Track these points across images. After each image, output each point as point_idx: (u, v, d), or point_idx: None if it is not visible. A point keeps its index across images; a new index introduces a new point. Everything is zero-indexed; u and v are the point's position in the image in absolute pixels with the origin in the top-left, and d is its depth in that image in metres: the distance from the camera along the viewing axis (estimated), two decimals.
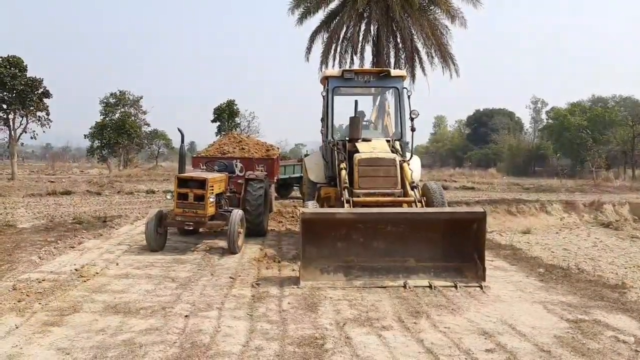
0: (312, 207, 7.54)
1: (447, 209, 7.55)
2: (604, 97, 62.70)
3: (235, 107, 41.63)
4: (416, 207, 7.34)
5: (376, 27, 22.92)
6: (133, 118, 41.47)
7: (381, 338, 4.45)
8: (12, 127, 26.88)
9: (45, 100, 27.57)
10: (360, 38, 23.71)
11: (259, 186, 9.45)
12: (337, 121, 9.62)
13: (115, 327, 4.59)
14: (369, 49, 24.09)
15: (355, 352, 4.12)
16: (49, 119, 28.08)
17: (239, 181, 9.64)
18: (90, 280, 6.16)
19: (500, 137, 58.84)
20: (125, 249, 8.17)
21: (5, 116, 26.61)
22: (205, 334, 4.46)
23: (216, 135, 39.24)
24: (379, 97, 10.74)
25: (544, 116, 68.64)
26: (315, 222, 6.32)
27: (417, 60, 23.62)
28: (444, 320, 4.95)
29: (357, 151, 8.16)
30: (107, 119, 39.78)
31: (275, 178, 13.18)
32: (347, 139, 8.90)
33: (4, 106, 26.31)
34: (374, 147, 8.27)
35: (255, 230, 9.41)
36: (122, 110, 41.56)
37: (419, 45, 23.47)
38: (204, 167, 9.74)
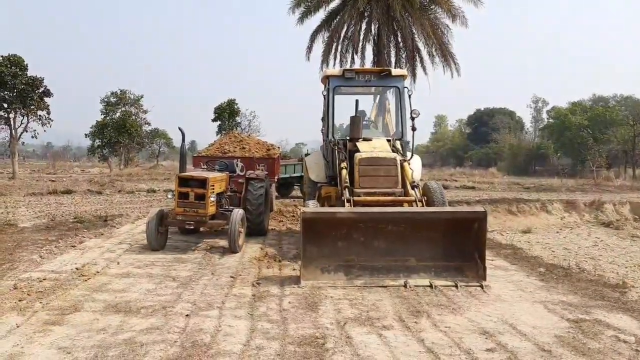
0: (312, 206, 7.54)
1: (448, 209, 7.55)
2: (605, 97, 62.72)
3: (235, 107, 41.66)
4: (417, 206, 7.34)
5: (377, 26, 22.92)
6: (134, 117, 41.47)
7: (382, 337, 4.45)
8: (13, 126, 26.93)
9: (46, 99, 27.61)
10: (361, 37, 23.72)
11: (260, 185, 9.45)
12: (338, 120, 9.62)
13: (116, 326, 4.59)
14: (369, 48, 24.12)
15: (356, 352, 4.12)
16: (50, 118, 28.16)
17: (240, 180, 9.65)
18: (91, 280, 6.17)
19: (500, 136, 58.83)
20: (126, 248, 8.18)
21: (6, 115, 26.64)
22: (206, 333, 4.47)
23: (217, 135, 39.28)
24: (378, 96, 10.73)
25: (544, 115, 68.67)
26: (316, 222, 6.32)
27: (417, 59, 23.62)
28: (445, 320, 4.95)
29: (357, 150, 8.16)
30: (107, 118, 39.82)
31: (276, 177, 13.19)
32: (347, 138, 8.90)
33: (5, 105, 26.35)
34: (374, 147, 8.27)
35: (255, 229, 9.41)
36: (123, 109, 41.58)
37: (420, 45, 23.48)
38: (205, 167, 9.74)
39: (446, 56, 23.13)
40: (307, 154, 12.24)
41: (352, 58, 24.10)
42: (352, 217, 6.55)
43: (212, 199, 8.10)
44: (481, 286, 6.12)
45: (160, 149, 53.11)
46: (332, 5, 23.76)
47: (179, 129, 8.62)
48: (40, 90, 27.13)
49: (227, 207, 8.82)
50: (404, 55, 23.64)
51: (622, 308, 5.43)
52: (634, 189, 25.68)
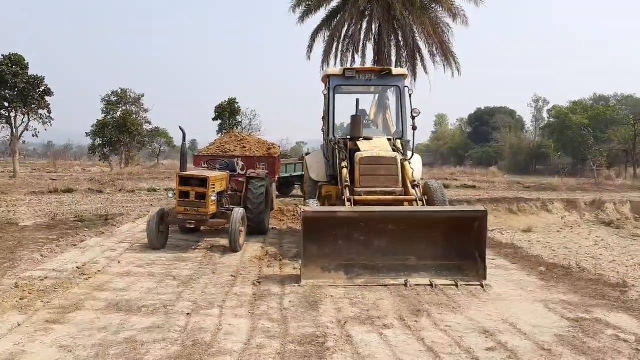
0: (313, 205, 7.56)
1: (448, 208, 7.56)
2: (606, 96, 62.67)
3: (236, 106, 41.59)
4: (417, 205, 7.35)
5: (377, 25, 22.91)
6: (134, 116, 41.41)
7: (382, 336, 4.46)
8: (13, 125, 26.91)
9: (46, 98, 27.59)
10: (362, 36, 23.73)
11: (260, 184, 9.46)
12: (339, 120, 9.62)
13: (117, 325, 4.60)
14: (370, 47, 24.13)
15: (357, 351, 4.13)
16: (51, 117, 28.12)
17: (241, 179, 9.66)
18: (92, 278, 6.18)
19: (501, 135, 58.73)
20: (127, 247, 8.19)
21: (7, 114, 26.63)
22: (206, 332, 4.48)
23: (217, 134, 39.23)
24: (377, 94, 10.73)
25: (545, 115, 68.53)
26: (317, 221, 6.33)
27: (418, 58, 23.62)
28: (445, 319, 4.96)
29: (358, 150, 8.16)
30: (108, 117, 39.73)
31: (277, 176, 13.19)
32: (348, 137, 8.90)
33: (6, 104, 26.34)
34: (375, 146, 8.27)
35: (256, 228, 9.42)
36: (124, 108, 41.49)
37: (421, 44, 23.48)
38: (206, 166, 9.75)
39: (447, 55, 23.13)
40: (307, 153, 12.22)
41: (353, 57, 24.12)
42: (353, 216, 6.56)
43: (212, 198, 8.11)
44: (481, 285, 6.13)
45: (161, 148, 52.98)
46: (333, 4, 23.78)
47: (180, 128, 8.63)
48: (41, 89, 27.10)
49: (227, 206, 8.83)
50: (404, 54, 23.64)
51: (622, 307, 5.43)
52: (635, 188, 25.66)
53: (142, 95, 43.25)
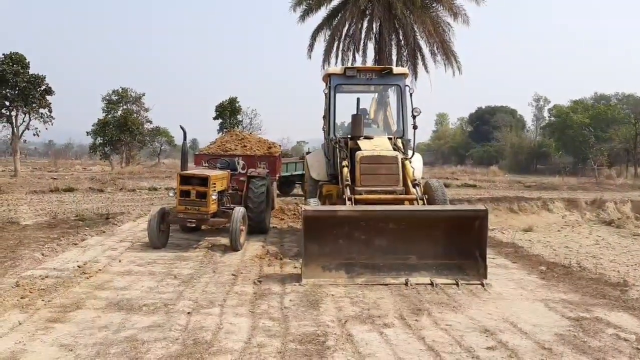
0: (313, 204, 7.56)
1: (449, 207, 7.56)
2: (607, 95, 62.63)
3: (237, 105, 41.59)
4: (418, 204, 7.35)
5: (378, 24, 22.89)
6: (135, 115, 41.42)
7: (383, 335, 4.46)
8: (14, 124, 26.93)
9: (47, 97, 27.61)
10: (363, 35, 23.71)
11: (261, 183, 9.46)
12: (339, 119, 9.62)
13: (118, 323, 4.61)
14: (371, 46, 24.11)
15: (357, 350, 4.13)
16: (52, 116, 28.15)
17: (241, 178, 9.66)
18: (93, 277, 6.18)
19: (502, 134, 58.71)
20: (128, 246, 8.20)
21: (7, 113, 26.65)
22: (207, 330, 4.48)
23: (218, 133, 39.23)
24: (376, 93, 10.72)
25: (546, 114, 68.45)
26: (317, 220, 6.33)
27: (419, 57, 23.60)
28: (446, 318, 4.96)
29: (359, 149, 8.16)
30: (109, 116, 39.75)
31: (277, 175, 13.19)
32: (349, 136, 8.90)
33: (7, 103, 26.36)
34: (376, 145, 8.27)
35: (257, 227, 9.42)
36: (125, 107, 41.50)
37: (421, 43, 23.46)
38: (206, 165, 9.76)
39: (448, 54, 23.11)
40: (308, 152, 12.24)
41: (354, 56, 24.10)
42: (354, 215, 6.56)
43: (213, 197, 8.11)
44: (482, 284, 6.13)
45: (162, 147, 52.99)
46: (334, 3, 23.76)
47: (181, 127, 8.63)
48: (42, 88, 27.12)
49: (228, 205, 8.83)
50: (405, 54, 23.62)
51: (622, 306, 5.43)
52: (636, 188, 25.65)
53: (143, 94, 43.30)
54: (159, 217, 8.06)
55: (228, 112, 40.73)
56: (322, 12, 23.97)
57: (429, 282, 6.13)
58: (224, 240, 8.69)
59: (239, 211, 8.14)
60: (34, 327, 4.46)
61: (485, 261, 6.28)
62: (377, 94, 10.53)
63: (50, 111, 27.96)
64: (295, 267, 6.89)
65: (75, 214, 12.13)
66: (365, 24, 23.52)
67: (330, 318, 4.90)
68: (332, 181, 9.02)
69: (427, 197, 7.73)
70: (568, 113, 50.72)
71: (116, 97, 41.28)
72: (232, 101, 40.97)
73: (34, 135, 28.53)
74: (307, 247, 6.23)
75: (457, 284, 6.10)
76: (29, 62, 26.82)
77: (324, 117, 9.47)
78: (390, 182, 7.71)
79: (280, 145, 14.91)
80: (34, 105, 26.90)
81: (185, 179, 8.08)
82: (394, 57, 23.37)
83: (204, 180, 8.00)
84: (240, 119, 42.68)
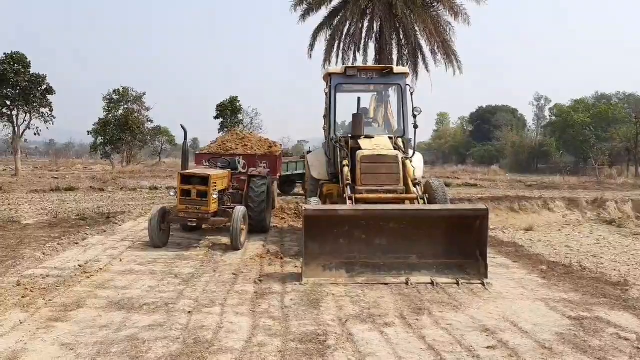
0: (314, 203, 7.56)
1: (450, 206, 7.55)
2: (608, 94, 62.50)
3: (238, 104, 41.62)
4: (418, 204, 7.35)
5: (379, 23, 22.90)
6: (136, 114, 41.45)
7: (383, 334, 4.46)
8: (15, 123, 26.97)
9: (48, 96, 27.63)
10: (363, 35, 23.72)
11: (262, 183, 9.46)
12: (340, 118, 9.63)
13: (119, 322, 4.61)
14: (371, 46, 24.11)
15: (358, 349, 4.13)
16: (52, 115, 28.22)
17: (242, 178, 9.66)
18: (93, 276, 6.19)
19: (503, 134, 58.67)
20: (129, 245, 8.21)
21: (8, 112, 26.69)
22: (208, 330, 4.48)
23: (219, 132, 39.26)
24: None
25: (547, 113, 68.38)
26: (318, 219, 6.34)
27: (420, 57, 23.59)
28: (446, 317, 4.96)
29: (359, 148, 8.16)
30: (110, 115, 39.78)
31: (278, 175, 13.20)
32: (349, 135, 8.90)
33: (8, 102, 26.39)
34: (376, 144, 8.27)
35: (257, 226, 9.43)
36: (125, 106, 41.54)
37: (422, 42, 23.46)
38: (207, 164, 9.76)
39: (448, 53, 23.11)
40: (309, 152, 12.25)
41: (355, 55, 24.11)
42: (354, 214, 6.56)
43: (214, 196, 8.12)
44: (483, 284, 6.13)
45: (163, 147, 53.06)
46: (334, 2, 23.76)
47: (181, 126, 8.63)
48: (42, 88, 27.16)
49: (229, 204, 8.84)
50: (406, 53, 23.62)
51: (623, 306, 5.43)
52: (637, 187, 25.62)
53: (144, 94, 43.33)
54: (160, 216, 8.06)
55: (229, 111, 40.78)
56: (323, 12, 24.00)
57: (430, 281, 6.13)
58: (225, 240, 8.70)
59: (239, 210, 8.14)
60: (35, 326, 4.46)
61: (485, 260, 6.27)
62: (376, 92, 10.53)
63: (51, 110, 28.02)
64: (296, 267, 6.89)
65: (76, 213, 12.14)
66: (366, 24, 23.53)
67: (331, 317, 4.90)
68: (332, 180, 9.02)
69: (427, 196, 7.74)
70: (569, 112, 50.67)
71: (117, 97, 41.30)
72: (233, 100, 41.00)
73: (35, 134, 28.61)
74: (308, 246, 6.24)
75: (457, 284, 6.10)
76: (29, 61, 26.86)
77: (325, 116, 9.46)
78: (390, 182, 7.71)
79: (280, 145, 14.94)
80: (35, 104, 26.95)
81: (186, 178, 8.08)
82: (395, 57, 23.38)
83: (204, 180, 8.00)
84: (241, 119, 42.73)
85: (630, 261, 8.10)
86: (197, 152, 14.23)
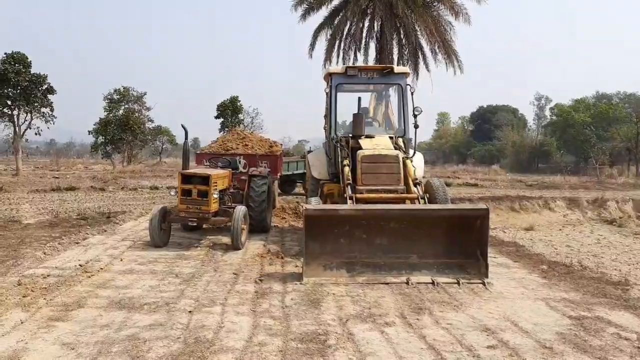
0: (315, 203, 7.57)
1: (450, 206, 7.55)
2: (608, 94, 62.49)
3: (238, 104, 41.63)
4: (419, 203, 7.35)
5: (380, 23, 22.90)
6: (137, 114, 41.46)
7: (384, 334, 4.47)
8: (16, 123, 26.99)
9: (49, 96, 27.65)
10: (364, 35, 23.74)
11: (262, 182, 9.47)
12: (341, 118, 9.63)
13: (120, 322, 4.62)
14: (372, 46, 24.12)
15: (358, 348, 4.13)
16: (53, 115, 28.22)
17: (243, 177, 9.66)
18: (94, 276, 6.20)
19: (503, 133, 58.67)
20: (130, 245, 8.21)
21: (9, 112, 26.70)
22: (208, 329, 4.49)
23: (220, 132, 39.28)
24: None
25: (547, 113, 68.35)
26: (318, 219, 6.34)
27: (420, 56, 23.59)
28: (447, 317, 4.96)
29: (360, 148, 8.16)
30: (111, 115, 39.79)
31: (279, 174, 13.19)
32: (350, 135, 8.90)
33: (9, 102, 26.41)
34: (377, 144, 8.27)
35: (258, 226, 9.43)
36: (126, 106, 41.56)
37: (423, 42, 23.47)
38: (208, 164, 9.76)
39: (449, 53, 23.11)
40: (309, 151, 12.25)
41: (355, 55, 24.12)
42: (355, 214, 6.56)
43: (214, 196, 8.12)
44: (483, 283, 6.13)
45: (163, 146, 53.12)
46: (335, 2, 23.77)
47: (182, 126, 8.63)
48: (43, 87, 27.17)
49: (229, 204, 8.84)
50: (406, 53, 23.62)
51: (623, 305, 5.43)
52: (637, 187, 25.60)
53: (145, 94, 43.34)
54: (161, 216, 8.07)
55: (229, 111, 40.81)
56: (323, 12, 24.01)
57: (430, 281, 6.13)
58: (225, 239, 8.70)
59: (240, 210, 8.14)
60: (36, 326, 4.47)
61: (486, 260, 6.27)
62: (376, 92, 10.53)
63: (52, 110, 28.03)
64: (297, 266, 6.89)
65: (76, 213, 12.14)
66: (366, 23, 23.54)
67: (332, 317, 4.91)
68: (333, 180, 9.03)
69: (428, 196, 7.74)
70: (569, 112, 50.67)
71: (118, 96, 41.31)
72: (234, 100, 41.01)
73: (36, 134, 28.63)
74: (308, 246, 6.24)
75: (458, 283, 6.10)
76: (30, 61, 26.87)
77: (325, 116, 9.47)
78: (391, 181, 7.71)
79: (281, 144, 14.93)
80: (35, 104, 26.96)
81: (186, 178, 8.08)
82: (395, 56, 23.38)
83: (205, 179, 8.01)
84: (242, 118, 42.74)
85: (630, 261, 8.11)
86: (198, 152, 14.22)
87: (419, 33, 23.08)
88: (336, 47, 23.85)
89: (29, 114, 27.26)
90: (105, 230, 9.51)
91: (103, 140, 38.75)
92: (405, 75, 9.46)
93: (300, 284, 6.04)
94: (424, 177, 9.35)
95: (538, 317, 4.98)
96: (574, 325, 4.77)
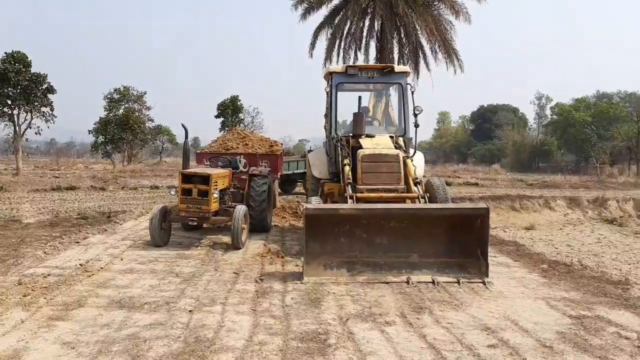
0: (315, 202, 7.56)
1: (451, 205, 7.55)
2: (609, 93, 62.50)
3: (239, 103, 41.63)
4: (419, 203, 7.35)
5: (380, 22, 22.90)
6: (137, 114, 41.47)
7: (384, 333, 4.47)
8: (16, 122, 26.98)
9: (49, 95, 27.64)
10: (364, 34, 23.75)
11: (263, 182, 9.46)
12: (341, 117, 9.62)
13: (120, 321, 4.62)
14: (372, 45, 24.12)
15: (358, 348, 4.13)
16: (53, 115, 28.17)
17: (243, 177, 9.66)
18: (95, 275, 6.20)
19: (504, 133, 58.65)
20: (130, 244, 8.22)
21: (9, 112, 26.69)
22: (209, 328, 4.49)
23: (220, 131, 39.27)
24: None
25: (548, 112, 68.33)
26: (319, 218, 6.34)
27: (421, 55, 23.60)
28: (447, 316, 4.96)
29: (360, 147, 8.16)
30: (111, 114, 39.79)
31: (279, 174, 13.19)
32: (350, 134, 8.90)
33: (9, 102, 26.39)
34: (377, 143, 8.27)
35: (258, 225, 9.43)
36: (126, 105, 41.56)
37: (423, 41, 23.47)
38: (208, 163, 9.76)
39: (449, 52, 23.11)
40: (310, 151, 12.25)
41: (355, 54, 24.12)
42: (355, 213, 6.56)
43: (215, 195, 8.12)
44: (483, 282, 6.13)
45: (164, 146, 53.15)
46: (335, 1, 23.77)
47: (182, 125, 8.63)
48: (43, 87, 27.16)
49: (230, 203, 8.84)
50: (407, 52, 23.62)
51: (624, 305, 5.43)
52: (638, 186, 25.59)
53: (145, 93, 43.37)
54: (161, 215, 8.07)
55: (230, 110, 40.79)
56: (324, 11, 24.02)
57: (431, 280, 6.13)
58: (226, 239, 8.71)
59: (240, 209, 8.14)
60: (36, 325, 4.47)
61: (486, 259, 6.27)
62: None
63: (52, 110, 28.00)
64: (297, 265, 6.89)
65: (77, 213, 12.15)
66: (366, 22, 23.54)
67: (332, 316, 4.91)
68: (333, 179, 9.02)
69: (428, 195, 7.74)
70: (570, 111, 50.69)
71: (118, 96, 41.33)
72: (234, 99, 41.01)
73: (36, 133, 28.59)
74: (309, 245, 6.24)
75: (458, 282, 6.10)
76: (30, 60, 26.86)
77: (326, 115, 9.46)
78: (391, 181, 7.71)
79: (282, 144, 14.92)
80: (35, 103, 26.93)
81: (187, 178, 8.08)
82: (396, 56, 23.39)
83: (205, 179, 8.01)
84: (242, 117, 42.74)
85: (631, 260, 8.11)
86: (198, 151, 14.22)
87: (419, 32, 23.08)
88: (336, 46, 23.86)
89: (29, 114, 27.25)
90: (105, 230, 9.52)
91: (103, 140, 38.75)
92: (405, 74, 9.45)
93: (301, 283, 6.04)
94: (424, 176, 9.34)
95: (538, 317, 4.98)
96: (574, 324, 4.77)
